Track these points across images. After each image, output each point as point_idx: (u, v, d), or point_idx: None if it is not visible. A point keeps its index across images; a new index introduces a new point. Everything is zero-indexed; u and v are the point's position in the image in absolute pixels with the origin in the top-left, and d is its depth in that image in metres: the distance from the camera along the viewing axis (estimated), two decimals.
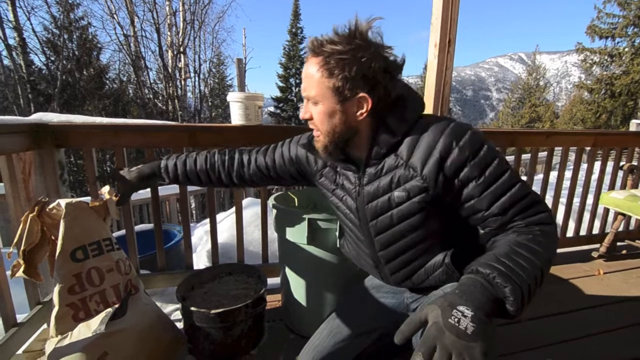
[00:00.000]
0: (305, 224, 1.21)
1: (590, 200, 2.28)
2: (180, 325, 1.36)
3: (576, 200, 2.26)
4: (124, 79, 14.87)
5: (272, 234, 1.59)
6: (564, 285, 1.89)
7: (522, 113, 26.04)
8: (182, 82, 13.70)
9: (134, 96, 14.45)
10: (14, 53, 11.20)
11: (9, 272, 1.13)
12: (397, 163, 0.79)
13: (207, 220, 1.83)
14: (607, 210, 2.33)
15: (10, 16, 10.84)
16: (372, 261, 0.96)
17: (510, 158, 3.97)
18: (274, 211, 1.35)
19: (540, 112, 25.18)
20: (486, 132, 2.01)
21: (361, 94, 0.75)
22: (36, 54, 11.97)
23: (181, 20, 13.15)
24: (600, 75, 16.43)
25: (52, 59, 12.38)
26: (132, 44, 13.00)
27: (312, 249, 1.27)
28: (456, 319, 0.53)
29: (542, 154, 4.88)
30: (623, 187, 2.38)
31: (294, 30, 20.09)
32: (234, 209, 1.78)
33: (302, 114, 0.84)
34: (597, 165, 2.28)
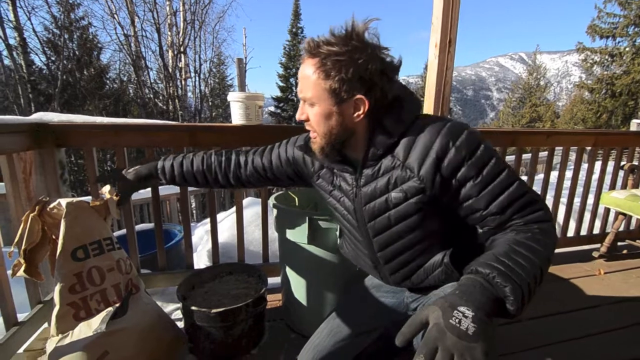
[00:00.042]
0: (305, 223, 1.21)
1: (590, 200, 2.28)
2: (180, 324, 1.36)
3: (577, 200, 2.26)
4: (125, 78, 14.88)
5: (273, 234, 1.59)
6: (564, 285, 1.89)
7: (522, 113, 26.03)
8: (183, 82, 13.70)
9: (134, 96, 14.46)
10: (14, 53, 11.21)
11: (9, 272, 1.13)
12: (394, 164, 0.79)
13: (208, 220, 1.83)
14: (607, 210, 2.33)
15: (11, 16, 10.84)
16: (371, 262, 0.96)
17: (510, 158, 3.97)
18: (275, 211, 1.35)
19: (541, 112, 25.17)
20: (487, 131, 2.01)
21: (358, 96, 0.75)
22: (37, 54, 11.99)
23: (181, 20, 13.16)
24: (601, 75, 16.42)
25: (53, 58, 12.39)
26: (132, 44, 13.00)
27: (312, 249, 1.27)
28: (457, 320, 0.53)
29: (543, 154, 4.89)
30: (624, 186, 2.38)
31: (294, 30, 20.07)
32: (234, 208, 1.78)
33: (298, 115, 0.83)
34: (598, 165, 2.28)
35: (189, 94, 14.62)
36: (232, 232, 2.21)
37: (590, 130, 2.40)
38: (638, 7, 14.91)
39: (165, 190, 3.71)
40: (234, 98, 1.55)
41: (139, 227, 2.56)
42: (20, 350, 1.26)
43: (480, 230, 0.80)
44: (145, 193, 3.20)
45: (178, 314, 1.56)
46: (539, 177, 2.61)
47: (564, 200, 2.23)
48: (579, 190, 2.24)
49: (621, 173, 2.35)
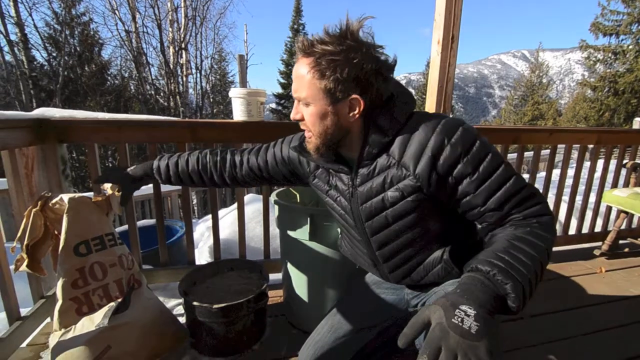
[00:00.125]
0: (307, 220, 1.22)
1: (592, 198, 2.28)
2: (182, 319, 1.37)
3: (578, 198, 2.25)
4: (126, 75, 14.89)
5: (274, 230, 1.60)
6: (566, 283, 1.89)
7: (524, 111, 25.93)
8: (184, 79, 13.69)
9: (135, 92, 14.47)
10: (15, 49, 11.21)
11: (12, 267, 1.13)
12: (389, 163, 0.78)
13: (209, 217, 1.83)
14: (609, 208, 2.32)
15: (12, 12, 10.83)
16: (370, 260, 0.96)
17: (512, 156, 3.96)
18: (276, 207, 1.35)
19: (543, 110, 25.07)
20: (489, 129, 2.00)
21: (353, 96, 0.74)
22: (38, 50, 12.00)
23: (183, 16, 13.13)
24: (604, 72, 16.31)
25: (54, 54, 12.39)
26: (133, 40, 13.00)
27: (313, 245, 1.27)
28: (459, 319, 0.53)
29: (545, 152, 4.87)
30: (626, 185, 2.37)
31: (295, 26, 20.00)
32: (235, 205, 1.78)
33: (293, 115, 0.82)
34: (600, 163, 2.27)
35: (190, 90, 14.62)
36: (233, 229, 2.22)
37: (592, 128, 2.39)
38: None
39: (167, 186, 3.71)
40: (236, 94, 1.55)
41: (141, 223, 2.56)
42: (23, 345, 1.27)
43: (479, 226, 0.80)
44: (147, 189, 3.19)
45: (180, 310, 1.56)
46: (541, 175, 2.61)
47: (565, 198, 2.23)
48: (581, 188, 2.23)
49: (623, 171, 2.34)
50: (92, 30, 13.26)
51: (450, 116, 0.83)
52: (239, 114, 1.56)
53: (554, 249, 0.88)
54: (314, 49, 0.72)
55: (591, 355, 1.33)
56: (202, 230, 2.67)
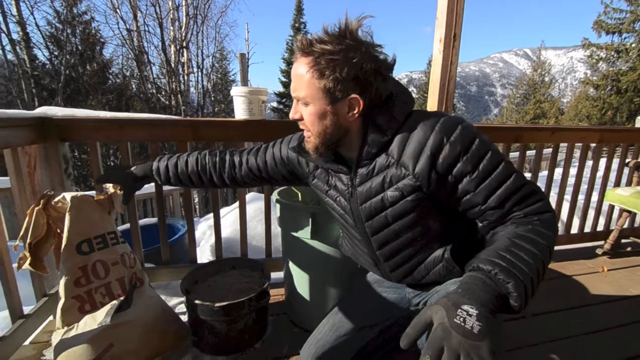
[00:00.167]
0: (309, 218, 1.22)
1: (595, 197, 2.27)
2: (184, 318, 1.37)
3: (581, 197, 2.24)
4: (127, 73, 14.90)
5: (276, 229, 1.60)
6: (568, 282, 1.89)
7: (526, 109, 25.86)
8: (185, 77, 13.69)
9: (137, 91, 14.48)
10: (17, 48, 11.22)
11: (15, 265, 1.14)
12: (389, 162, 0.78)
13: (211, 215, 1.84)
14: (612, 207, 2.32)
15: (14, 10, 10.84)
16: (371, 260, 0.96)
17: (514, 154, 3.94)
18: (278, 206, 1.35)
19: (545, 109, 24.99)
20: (490, 128, 2.00)
21: (352, 95, 0.73)
22: (39, 49, 12.01)
23: (184, 14, 13.12)
24: (607, 71, 16.22)
25: (56, 53, 12.41)
26: (135, 39, 12.99)
27: (315, 244, 1.27)
28: (461, 319, 0.53)
29: (547, 151, 4.85)
30: (629, 183, 2.37)
31: (297, 25, 19.98)
32: (237, 203, 1.79)
33: (292, 114, 0.82)
34: (603, 162, 2.26)
35: (192, 89, 14.63)
36: (235, 227, 2.22)
37: (595, 127, 2.38)
38: None
39: (168, 185, 3.72)
40: (237, 93, 1.55)
41: (143, 221, 2.57)
42: (26, 343, 1.28)
43: (480, 224, 0.80)
44: (149, 188, 3.19)
45: (182, 308, 1.57)
46: (543, 174, 2.60)
47: (568, 197, 2.22)
48: (584, 187, 2.23)
49: (626, 170, 2.33)
50: (93, 29, 13.27)
51: (450, 114, 0.83)
52: (240, 112, 1.56)
53: (556, 248, 0.87)
54: (313, 48, 0.72)
55: (593, 355, 1.32)
56: (203, 228, 2.68)
